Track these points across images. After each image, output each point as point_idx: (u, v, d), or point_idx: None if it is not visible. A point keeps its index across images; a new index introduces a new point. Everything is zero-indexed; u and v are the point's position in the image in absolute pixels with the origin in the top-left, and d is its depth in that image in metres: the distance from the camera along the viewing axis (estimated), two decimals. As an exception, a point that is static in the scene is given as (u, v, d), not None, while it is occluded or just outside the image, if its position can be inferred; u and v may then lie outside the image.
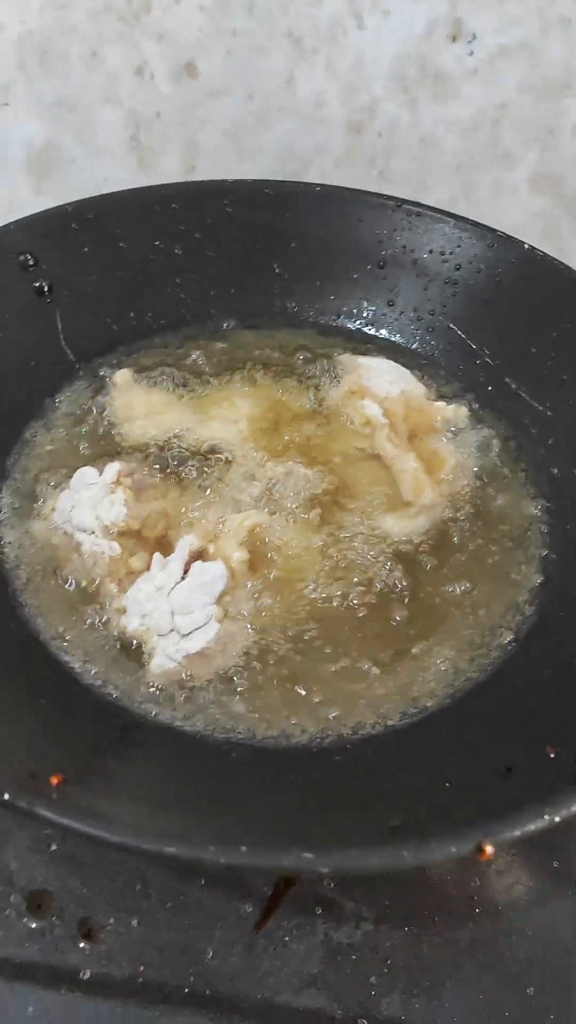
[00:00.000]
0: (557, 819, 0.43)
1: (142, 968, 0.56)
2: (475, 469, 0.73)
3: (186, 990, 0.55)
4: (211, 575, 0.63)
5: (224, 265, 0.84)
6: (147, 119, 1.02)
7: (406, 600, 0.64)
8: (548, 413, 0.74)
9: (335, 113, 1.01)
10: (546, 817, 0.42)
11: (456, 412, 0.76)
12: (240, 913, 0.58)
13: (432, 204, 1.08)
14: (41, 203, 0.85)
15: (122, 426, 0.75)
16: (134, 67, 0.98)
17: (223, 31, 0.95)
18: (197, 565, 0.63)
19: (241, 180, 0.84)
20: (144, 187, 0.83)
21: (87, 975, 0.56)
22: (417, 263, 0.83)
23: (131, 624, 0.61)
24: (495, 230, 0.80)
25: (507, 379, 0.78)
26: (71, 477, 0.69)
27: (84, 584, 0.64)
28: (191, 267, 0.83)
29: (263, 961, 0.56)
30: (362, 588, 0.65)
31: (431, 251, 0.82)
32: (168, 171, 1.06)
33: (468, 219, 0.82)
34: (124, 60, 0.97)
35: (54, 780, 0.44)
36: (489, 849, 0.41)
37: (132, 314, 0.82)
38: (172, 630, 0.60)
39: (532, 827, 0.42)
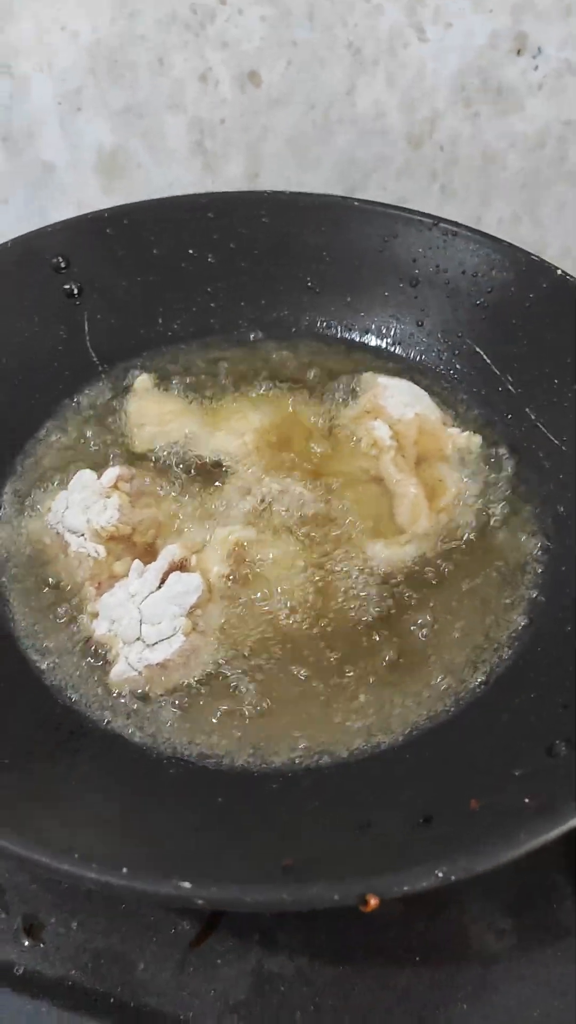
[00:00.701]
0: (453, 878, 0.41)
1: (74, 972, 0.57)
2: (479, 500, 0.71)
3: (111, 999, 0.56)
4: (186, 586, 0.63)
5: (256, 276, 0.84)
6: (211, 125, 1.03)
7: (381, 631, 0.63)
8: (563, 448, 0.71)
9: (395, 125, 0.99)
10: (439, 875, 0.40)
11: (469, 440, 0.74)
12: (177, 929, 0.58)
13: (495, 221, 1.06)
14: (110, 204, 0.88)
15: (132, 431, 0.76)
16: (199, 74, 0.99)
17: (284, 41, 0.95)
18: (174, 575, 0.64)
19: (278, 192, 0.84)
20: (181, 195, 0.85)
21: (20, 971, 0.57)
22: (449, 284, 0.81)
23: (100, 629, 0.62)
24: (529, 253, 0.77)
25: (527, 409, 0.75)
26: (72, 477, 0.71)
27: (66, 585, 0.65)
28: (223, 276, 0.84)
29: (191, 980, 0.56)
30: (337, 616, 0.64)
31: (464, 272, 0.80)
32: (232, 177, 1.07)
33: (503, 241, 0.79)
34: (189, 67, 0.99)
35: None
36: (373, 902, 0.40)
37: (160, 320, 0.83)
38: (138, 638, 0.61)
39: (423, 884, 0.40)
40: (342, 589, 0.65)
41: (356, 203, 0.83)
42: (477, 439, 0.74)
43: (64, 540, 0.67)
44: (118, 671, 0.60)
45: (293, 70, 0.97)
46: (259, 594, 0.65)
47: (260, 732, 0.58)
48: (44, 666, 0.60)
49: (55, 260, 0.78)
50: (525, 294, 0.76)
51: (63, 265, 0.78)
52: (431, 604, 0.64)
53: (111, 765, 0.54)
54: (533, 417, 0.74)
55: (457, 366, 0.80)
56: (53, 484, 0.72)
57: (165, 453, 0.74)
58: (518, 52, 0.91)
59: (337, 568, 0.66)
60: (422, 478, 0.72)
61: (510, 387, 0.76)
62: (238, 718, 0.59)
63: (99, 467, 0.72)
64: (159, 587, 0.63)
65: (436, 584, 0.66)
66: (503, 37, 0.90)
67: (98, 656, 0.61)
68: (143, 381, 0.79)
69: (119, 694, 0.60)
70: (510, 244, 0.78)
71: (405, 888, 0.40)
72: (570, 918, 0.59)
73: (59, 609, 0.64)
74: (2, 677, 0.59)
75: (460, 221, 0.82)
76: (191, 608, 0.62)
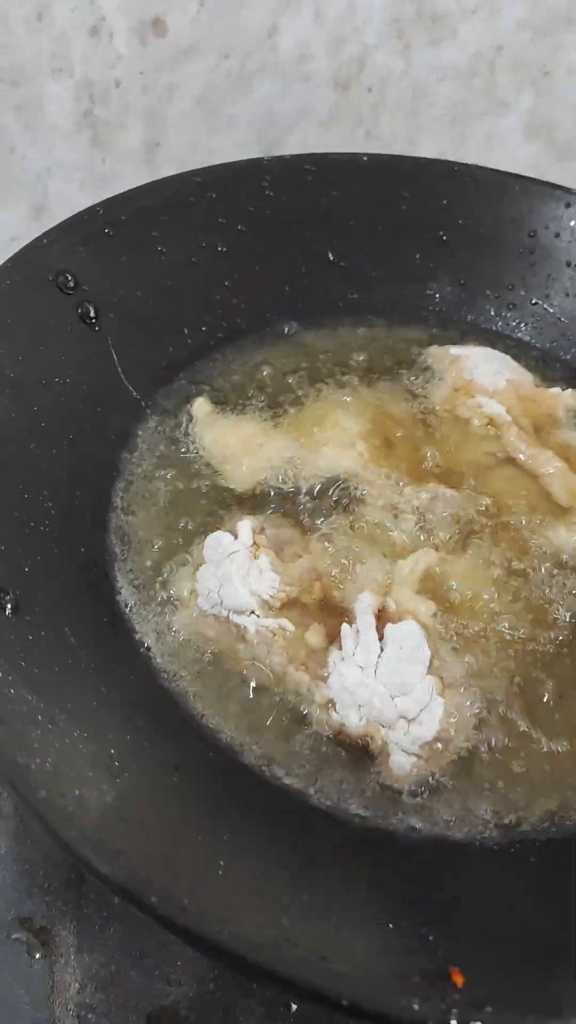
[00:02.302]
0: None
1: None
2: (615, 459, 0.67)
3: None
4: (414, 639, 0.53)
5: (273, 259, 0.72)
6: (104, 90, 0.86)
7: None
8: None
9: (321, 68, 0.89)
10: None
11: (575, 397, 0.69)
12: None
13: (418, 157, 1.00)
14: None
15: (222, 469, 0.63)
16: (89, 27, 0.82)
17: (196, -22, 0.81)
18: (391, 630, 0.53)
19: (278, 157, 0.72)
20: (173, 176, 0.70)
21: None
22: (484, 233, 0.74)
23: (350, 720, 0.50)
24: (570, 190, 0.72)
25: (613, 350, 0.71)
26: (193, 547, 0.57)
27: (267, 678, 0.52)
28: (238, 265, 0.71)
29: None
30: (567, 621, 0.57)
31: (498, 218, 0.74)
32: (127, 150, 0.91)
33: (525, 176, 0.74)
34: (77, 20, 0.81)
35: (456, 978, 0.34)
36: None
37: (186, 330, 0.69)
38: (400, 717, 0.50)
39: None
40: (550, 590, 0.58)
41: (365, 159, 0.73)
42: (584, 395, 0.69)
43: (234, 624, 0.54)
44: (399, 763, 0.49)
45: (205, 13, 0.83)
46: (475, 621, 0.56)
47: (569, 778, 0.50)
48: (310, 790, 0.48)
49: (61, 279, 0.61)
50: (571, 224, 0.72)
51: (70, 284, 0.62)
52: None
53: (477, 877, 0.44)
54: (623, 359, 0.71)
55: (516, 321, 0.75)
56: (171, 561, 0.57)
57: (275, 485, 0.62)
58: (453, -27, 0.85)
59: (533, 568, 0.59)
60: (550, 448, 0.66)
61: (582, 331, 0.72)
62: (542, 770, 0.51)
63: (205, 522, 0.59)
64: (382, 648, 0.53)
65: None
66: (442, -43, 0.83)
67: (358, 754, 0.50)
68: (201, 406, 0.66)
69: (405, 791, 0.49)
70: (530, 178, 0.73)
71: None
72: None
73: (279, 716, 0.51)
74: (266, 820, 0.46)
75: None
76: (429, 660, 0.53)
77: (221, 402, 0.67)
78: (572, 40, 0.91)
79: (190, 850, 0.39)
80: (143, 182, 0.92)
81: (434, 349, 0.72)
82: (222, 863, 0.39)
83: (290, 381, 0.69)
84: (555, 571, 0.59)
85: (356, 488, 0.62)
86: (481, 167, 0.74)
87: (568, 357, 0.73)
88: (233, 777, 0.48)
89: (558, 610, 0.57)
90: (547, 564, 0.60)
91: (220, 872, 0.38)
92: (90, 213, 0.64)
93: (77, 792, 0.38)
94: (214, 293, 0.70)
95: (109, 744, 0.44)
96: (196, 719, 0.51)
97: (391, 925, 0.39)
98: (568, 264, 0.72)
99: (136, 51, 0.84)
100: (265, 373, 0.69)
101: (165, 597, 0.55)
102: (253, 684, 0.52)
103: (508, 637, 0.56)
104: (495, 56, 0.92)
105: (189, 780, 0.45)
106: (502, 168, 0.99)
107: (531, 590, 0.58)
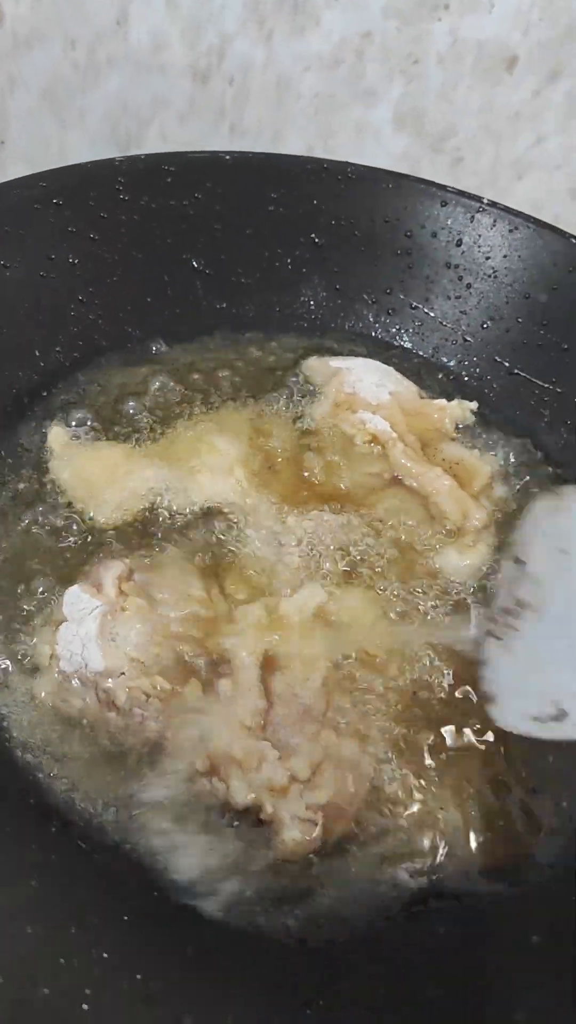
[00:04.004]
0: None
1: None
2: (504, 471, 0.64)
3: None
4: (305, 691, 0.48)
5: (132, 269, 0.66)
6: None
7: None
8: (558, 389, 0.66)
9: (178, 58, 0.83)
10: None
11: (461, 408, 0.66)
12: None
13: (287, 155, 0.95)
14: None
15: (85, 504, 0.57)
16: None
17: (32, -41, 0.73)
18: (279, 681, 0.49)
19: (132, 157, 0.66)
20: (13, 181, 0.62)
21: None
22: (358, 234, 0.70)
23: (238, 794, 0.45)
24: (445, 187, 0.69)
25: (497, 358, 0.68)
26: (52, 600, 0.51)
27: (143, 748, 0.47)
28: (92, 278, 0.64)
29: None
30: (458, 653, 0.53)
31: (372, 218, 0.69)
32: (-33, 149, 0.83)
33: (398, 173, 0.70)
34: None
35: None
36: None
37: (37, 352, 0.62)
38: (292, 780, 0.46)
39: None
40: (442, 621, 0.55)
41: (228, 158, 0.68)
42: (470, 405, 0.66)
43: (102, 689, 0.48)
44: (293, 837, 0.44)
45: (46, -2, 0.76)
46: (370, 663, 0.52)
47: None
48: (200, 887, 0.43)
49: None
50: (455, 233, 0.68)
51: None
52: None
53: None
54: (507, 364, 0.68)
55: (398, 326, 0.71)
56: (29, 622, 0.51)
57: (145, 519, 0.56)
58: (312, -43, 0.80)
59: (424, 599, 0.55)
60: (437, 464, 0.63)
61: (466, 337, 0.69)
62: (444, 817, 0.47)
63: (66, 570, 0.53)
64: (269, 703, 0.48)
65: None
66: None
67: (250, 827, 0.45)
68: (57, 436, 0.59)
69: (303, 865, 0.44)
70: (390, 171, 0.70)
71: None
72: None
73: (158, 791, 0.46)
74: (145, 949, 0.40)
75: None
76: (323, 713, 0.48)
77: (83, 429, 0.60)
78: (440, 27, 0.87)
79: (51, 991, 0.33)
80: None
81: (312, 361, 0.67)
82: (86, 1008, 0.33)
83: (159, 403, 0.63)
84: (447, 599, 0.56)
85: (235, 518, 0.57)
86: (352, 164, 0.70)
87: (452, 364, 0.69)
88: (107, 878, 0.43)
89: (452, 642, 0.54)
90: (438, 593, 0.56)
91: None
92: None
93: None
94: (68, 310, 0.63)
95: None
96: (61, 803, 0.44)
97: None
98: (447, 265, 0.69)
99: (-30, 40, 0.76)
100: (130, 395, 0.63)
101: (21, 662, 0.49)
102: (127, 756, 0.47)
103: (402, 675, 0.52)
104: (362, 44, 0.87)
105: (51, 889, 0.39)
106: (372, 161, 0.95)
107: (424, 622, 0.54)
